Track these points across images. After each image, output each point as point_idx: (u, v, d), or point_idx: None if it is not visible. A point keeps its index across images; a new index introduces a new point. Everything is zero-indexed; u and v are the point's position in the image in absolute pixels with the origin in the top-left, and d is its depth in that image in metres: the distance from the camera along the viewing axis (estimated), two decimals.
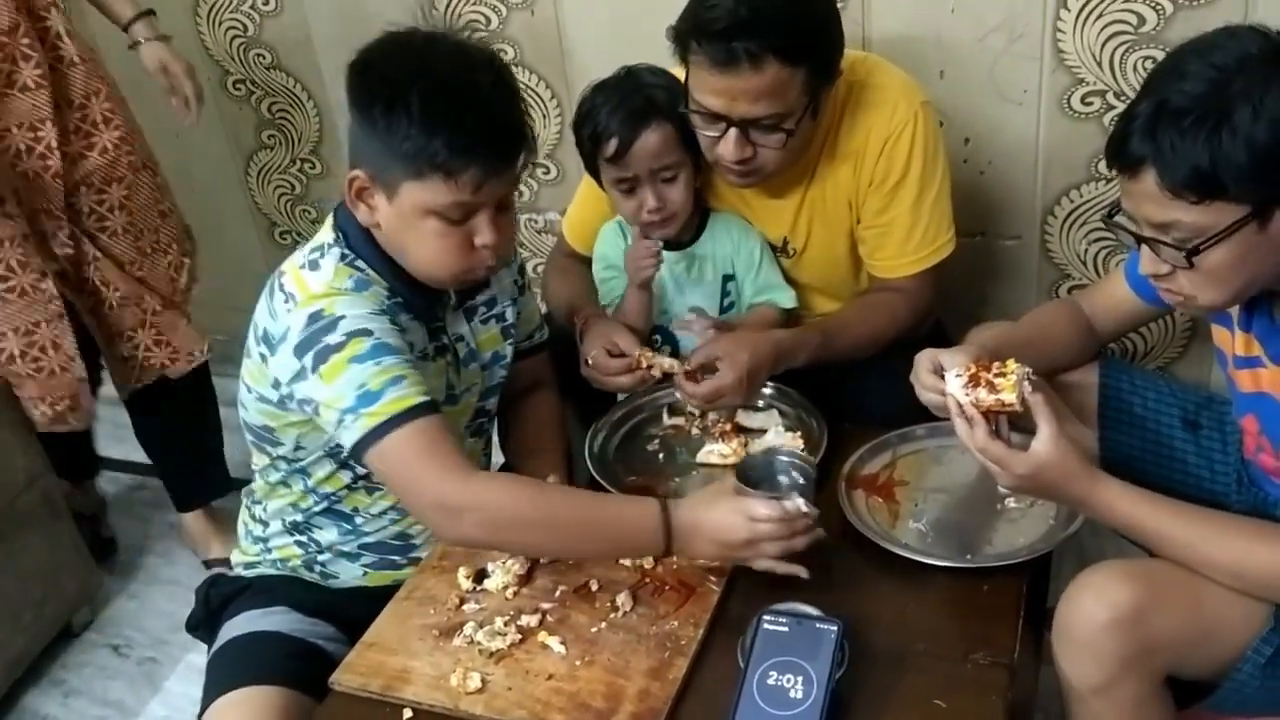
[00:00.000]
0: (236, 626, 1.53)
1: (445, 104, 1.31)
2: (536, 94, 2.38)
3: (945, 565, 1.41)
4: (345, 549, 1.58)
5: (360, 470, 1.49)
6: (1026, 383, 1.32)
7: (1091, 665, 1.30)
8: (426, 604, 1.44)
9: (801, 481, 1.44)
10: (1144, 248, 1.29)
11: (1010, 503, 1.50)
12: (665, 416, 1.77)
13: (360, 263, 1.42)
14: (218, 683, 1.45)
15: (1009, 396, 1.31)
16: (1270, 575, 1.28)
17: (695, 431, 1.74)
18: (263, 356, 1.41)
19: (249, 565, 1.64)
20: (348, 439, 1.33)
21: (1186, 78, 1.18)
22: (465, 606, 1.43)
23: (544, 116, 2.39)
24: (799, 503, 1.34)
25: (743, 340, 1.66)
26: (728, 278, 1.85)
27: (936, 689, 1.25)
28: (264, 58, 2.58)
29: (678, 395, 1.70)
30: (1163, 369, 2.19)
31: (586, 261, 1.94)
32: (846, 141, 1.74)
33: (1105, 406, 1.64)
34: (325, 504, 1.54)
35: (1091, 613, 1.29)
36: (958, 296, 2.08)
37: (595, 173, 1.77)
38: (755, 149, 1.63)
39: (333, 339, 1.33)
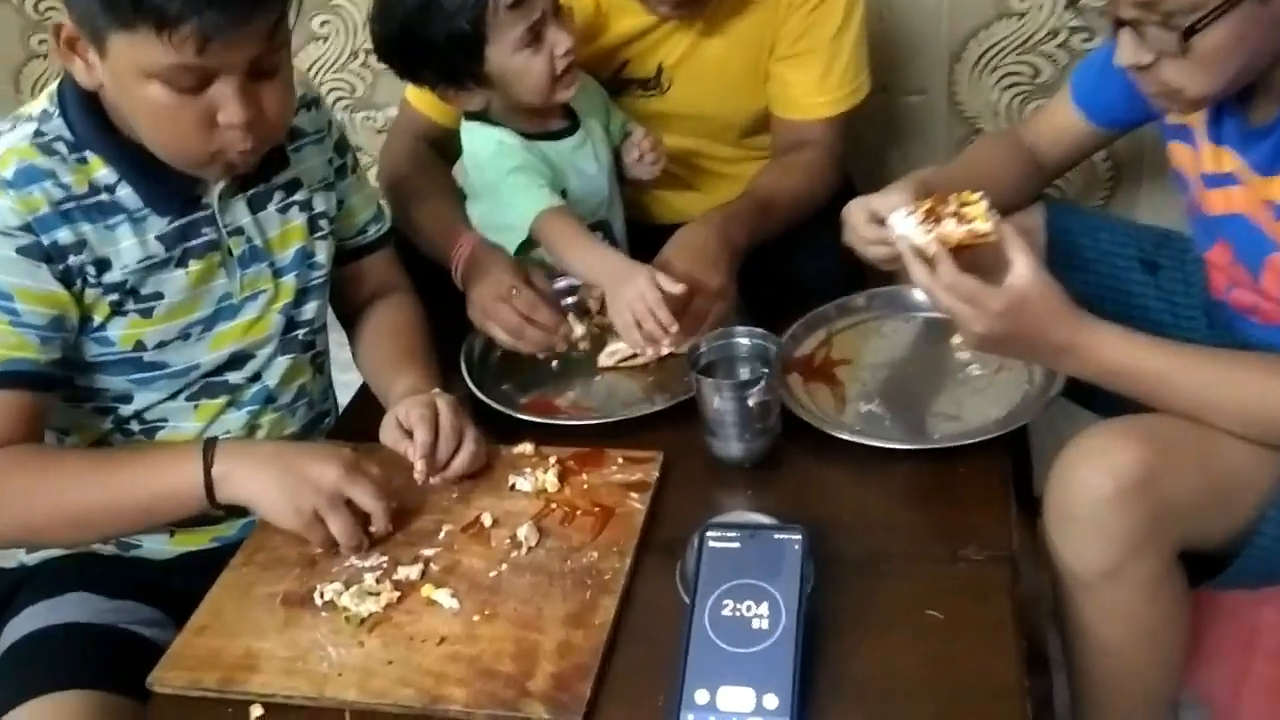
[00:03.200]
0: (18, 628, 1.18)
1: None
2: None
3: (911, 449, 1.16)
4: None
5: (124, 411, 1.21)
6: (993, 220, 1.09)
7: (1098, 546, 1.10)
8: (272, 568, 1.13)
9: (765, 369, 1.17)
10: (1123, 34, 1.08)
11: (974, 369, 1.26)
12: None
13: (61, 144, 1.11)
14: (2, 702, 1.11)
15: (983, 225, 1.07)
16: None
17: (594, 331, 1.43)
18: None
19: (31, 550, 1.28)
20: None
21: None
22: (322, 565, 1.12)
23: None
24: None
25: (694, 252, 1.36)
26: (607, 132, 1.54)
27: (927, 597, 1.01)
28: None
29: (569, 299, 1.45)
30: None
31: (440, 145, 1.60)
32: None
33: (1054, 251, 1.42)
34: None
35: (1094, 484, 1.08)
36: (860, 160, 1.82)
37: (464, 65, 1.36)
38: None
39: None
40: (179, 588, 1.17)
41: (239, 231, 1.22)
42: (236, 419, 1.27)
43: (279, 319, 1.27)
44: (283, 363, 1.29)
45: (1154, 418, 1.13)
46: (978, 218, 1.08)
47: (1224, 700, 1.42)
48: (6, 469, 1.10)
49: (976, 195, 1.11)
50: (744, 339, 1.21)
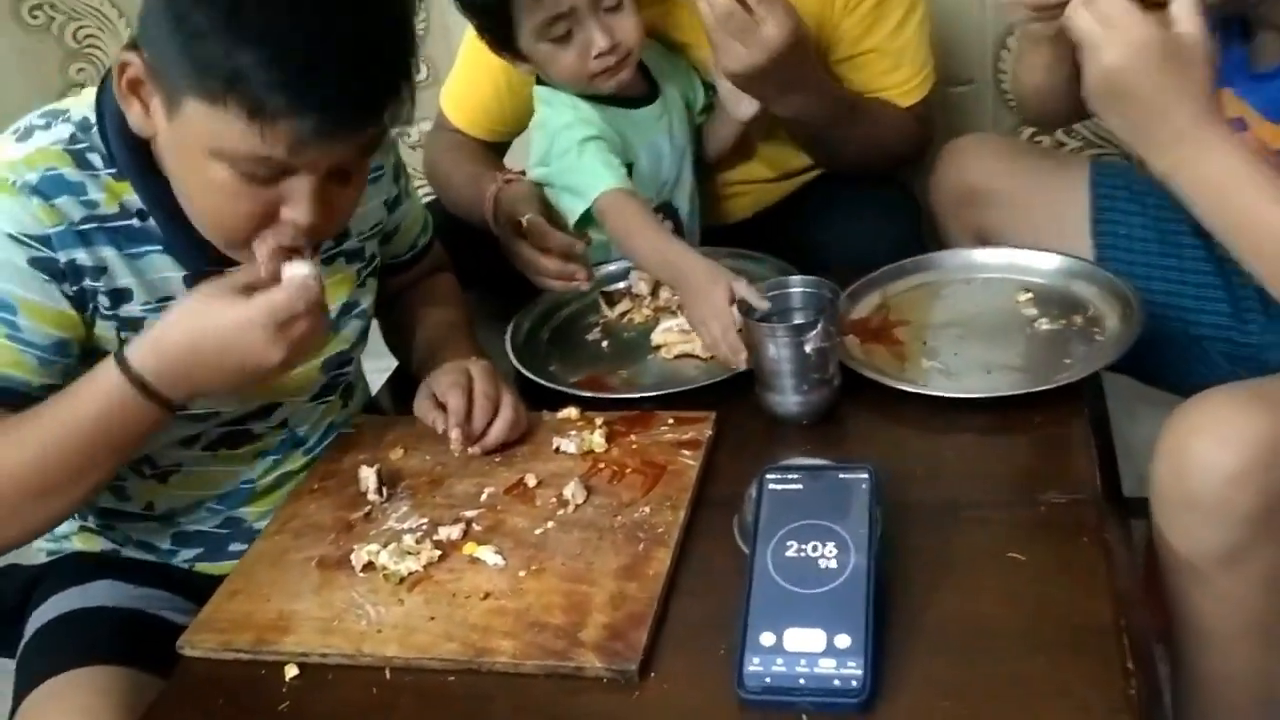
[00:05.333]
0: (46, 613, 1.12)
1: (270, 11, 0.88)
2: None
3: (981, 397, 1.09)
4: (157, 543, 1.19)
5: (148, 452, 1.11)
6: None
7: (1217, 530, 0.98)
8: (306, 534, 1.07)
9: (821, 315, 1.09)
10: None
11: (1042, 324, 1.19)
12: (604, 306, 1.40)
13: (95, 156, 1.01)
14: (29, 677, 1.05)
15: None
16: None
17: (646, 312, 1.37)
18: None
19: (51, 552, 1.22)
20: None
21: None
22: (359, 529, 1.06)
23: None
24: (310, 269, 0.96)
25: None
26: (689, 112, 1.49)
27: (1007, 541, 0.93)
28: None
29: (621, 284, 1.40)
30: None
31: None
32: None
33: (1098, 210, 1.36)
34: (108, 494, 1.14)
35: (1214, 462, 0.95)
36: None
37: (502, 34, 1.32)
38: None
39: None
40: (209, 586, 1.07)
41: None
42: (261, 465, 1.19)
43: (318, 374, 1.19)
44: (315, 409, 1.22)
45: (1272, 380, 1.02)
46: None
47: None
48: None
49: None
50: (799, 287, 1.15)
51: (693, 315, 1.21)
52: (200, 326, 0.95)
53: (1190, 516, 0.99)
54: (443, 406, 1.14)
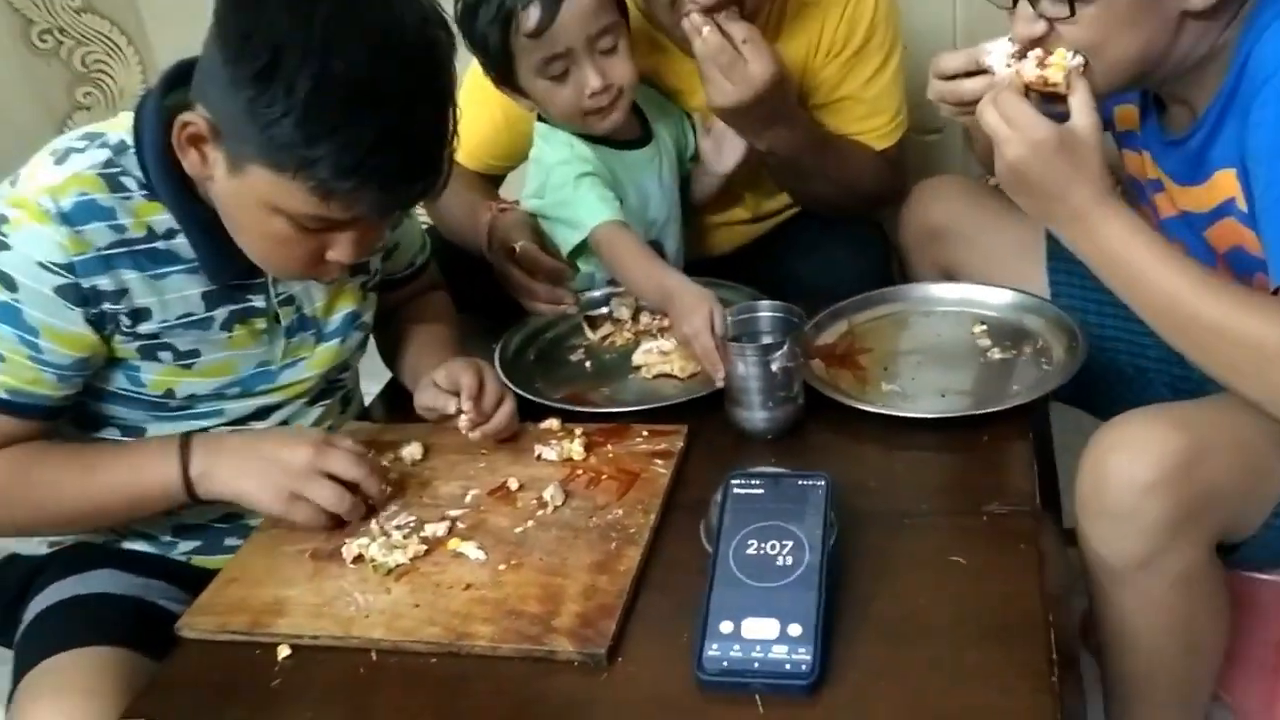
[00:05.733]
0: (46, 599, 1.18)
1: (343, 107, 0.96)
2: None
3: (934, 417, 1.17)
4: (157, 534, 1.26)
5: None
6: (1076, 70, 1.08)
7: (1133, 536, 1.07)
8: (300, 529, 1.13)
9: (786, 337, 1.18)
10: (1021, 6, 1.10)
11: (994, 353, 1.28)
12: (587, 330, 1.48)
13: (130, 180, 1.09)
14: (29, 656, 1.11)
15: (1056, 75, 1.07)
16: (1251, 350, 1.01)
17: (627, 336, 1.46)
18: None
19: (52, 543, 1.28)
20: None
21: None
22: (350, 526, 1.13)
23: None
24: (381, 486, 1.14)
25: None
26: (679, 161, 1.58)
27: (951, 545, 1.01)
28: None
29: (603, 309, 1.49)
30: None
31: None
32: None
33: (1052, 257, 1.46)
34: None
35: (1128, 474, 1.05)
36: None
37: (504, 70, 1.41)
38: None
39: None
40: (205, 578, 1.14)
41: (289, 301, 1.21)
42: None
43: (318, 380, 1.27)
44: (313, 412, 1.29)
45: (1189, 405, 1.12)
46: (1054, 67, 1.07)
47: (1255, 712, 1.38)
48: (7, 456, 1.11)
49: (1071, 53, 1.08)
50: (767, 311, 1.24)
51: (681, 332, 1.29)
52: (261, 436, 1.17)
53: (1109, 524, 1.08)
54: (449, 394, 1.21)
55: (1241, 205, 1.12)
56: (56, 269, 1.06)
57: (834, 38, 1.51)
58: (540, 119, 1.48)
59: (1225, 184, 1.13)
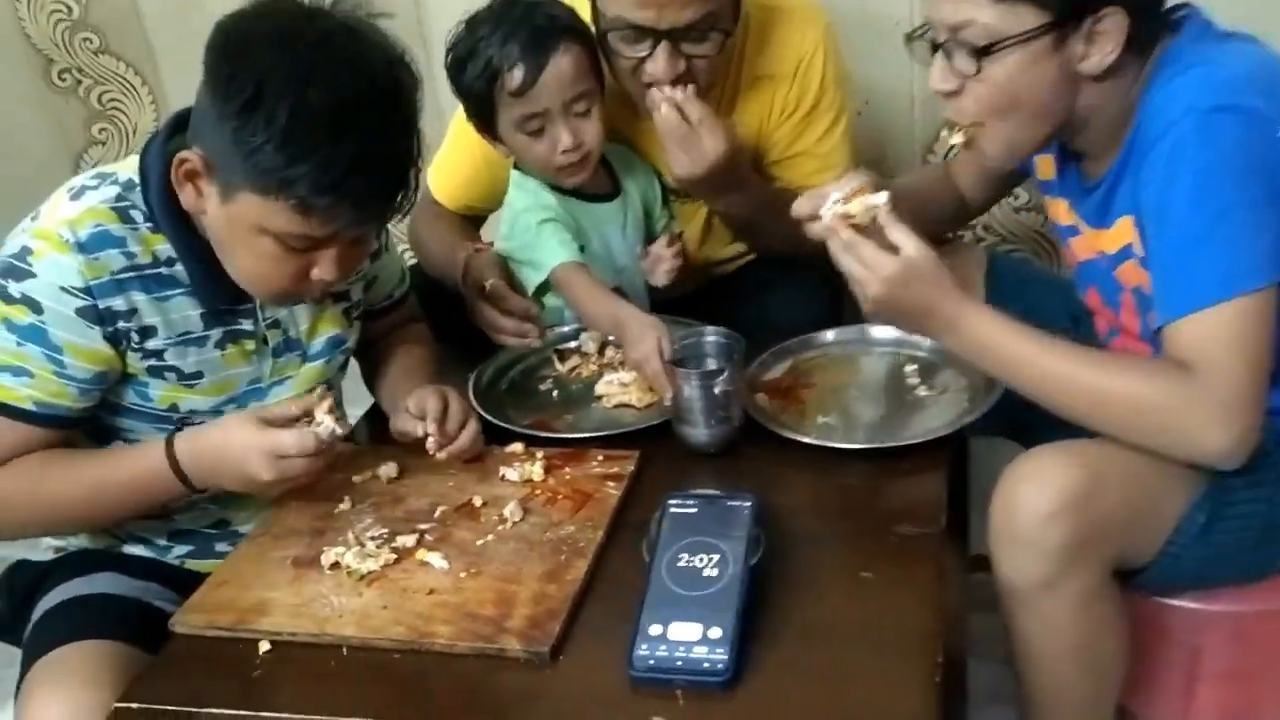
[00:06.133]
0: (52, 599, 1.31)
1: (318, 132, 1.10)
2: None
3: (859, 448, 1.30)
4: (154, 539, 1.39)
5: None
6: (883, 209, 1.21)
7: (1036, 560, 1.18)
8: (285, 537, 1.26)
9: (727, 363, 1.32)
10: (937, 60, 1.23)
11: (921, 391, 1.41)
12: (556, 363, 1.61)
13: (137, 213, 1.23)
14: (37, 648, 1.23)
15: (855, 208, 1.21)
16: (1126, 406, 1.17)
17: (593, 368, 1.58)
18: None
19: (58, 549, 1.41)
20: None
21: None
22: (329, 535, 1.25)
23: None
24: (332, 428, 1.23)
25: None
26: (646, 215, 1.71)
27: (863, 562, 1.13)
28: (91, 41, 2.39)
29: (572, 343, 1.61)
30: None
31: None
32: (757, 65, 1.64)
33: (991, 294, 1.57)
34: None
35: (1033, 503, 1.16)
36: None
37: (486, 120, 1.55)
38: (688, 62, 1.50)
39: (11, 287, 1.19)
40: (197, 582, 1.24)
41: (276, 324, 1.33)
42: None
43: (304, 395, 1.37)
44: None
45: (1089, 442, 1.22)
46: (855, 203, 1.21)
47: None
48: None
49: (881, 196, 1.22)
50: (711, 337, 1.38)
51: (632, 357, 1.42)
52: (225, 437, 1.23)
53: (1016, 549, 1.19)
54: (418, 419, 1.33)
55: (1138, 250, 1.25)
56: (77, 292, 1.19)
57: (786, 101, 1.64)
58: (516, 167, 1.61)
59: (1125, 230, 1.26)
